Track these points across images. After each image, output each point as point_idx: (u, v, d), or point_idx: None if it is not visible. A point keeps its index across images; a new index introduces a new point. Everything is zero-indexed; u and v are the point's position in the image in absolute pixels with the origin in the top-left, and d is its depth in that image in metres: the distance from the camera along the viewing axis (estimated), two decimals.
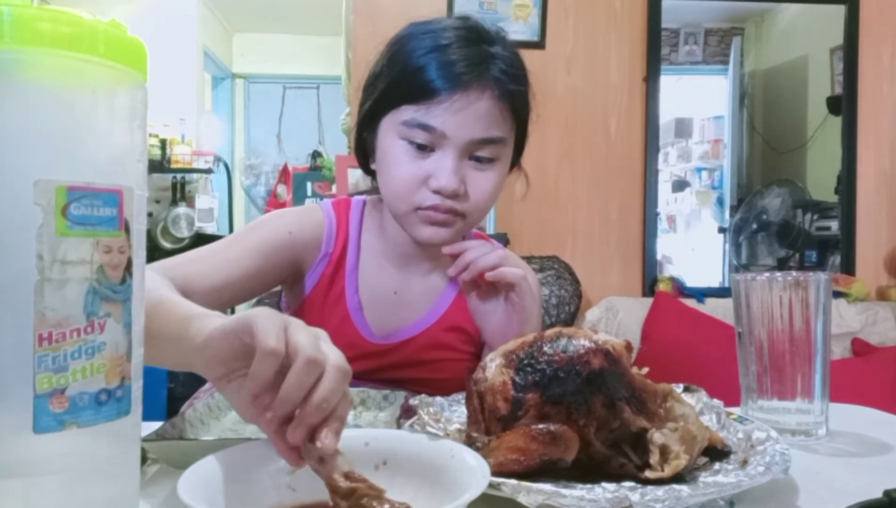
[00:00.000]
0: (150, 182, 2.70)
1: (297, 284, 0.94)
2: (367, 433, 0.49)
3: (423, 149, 0.82)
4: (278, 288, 0.99)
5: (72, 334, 0.35)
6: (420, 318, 0.94)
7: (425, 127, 0.80)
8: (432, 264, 0.96)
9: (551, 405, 0.50)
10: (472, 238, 0.98)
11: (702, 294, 2.58)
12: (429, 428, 0.56)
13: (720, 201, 3.01)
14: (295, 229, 0.92)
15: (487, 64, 0.81)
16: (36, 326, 0.34)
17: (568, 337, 0.52)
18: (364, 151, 0.92)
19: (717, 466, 0.53)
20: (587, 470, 0.51)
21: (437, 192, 0.81)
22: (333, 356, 0.45)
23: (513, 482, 0.45)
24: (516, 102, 0.84)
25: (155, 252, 3.11)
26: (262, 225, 0.93)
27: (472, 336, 0.95)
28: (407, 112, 0.81)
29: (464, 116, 0.80)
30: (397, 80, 0.83)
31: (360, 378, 0.84)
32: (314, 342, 0.45)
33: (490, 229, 2.40)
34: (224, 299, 0.83)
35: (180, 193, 3.34)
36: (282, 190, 3.16)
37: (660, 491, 0.46)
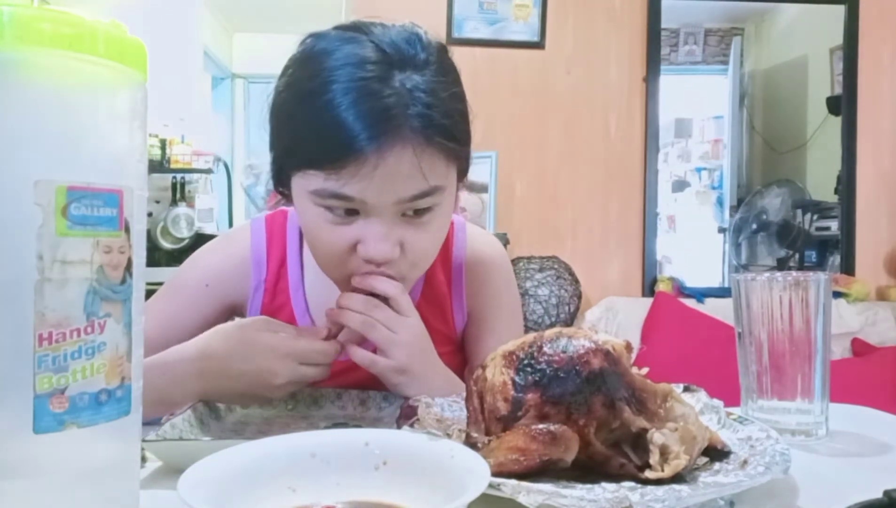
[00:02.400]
0: (150, 182, 2.70)
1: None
2: (367, 433, 0.49)
3: (347, 213, 0.70)
4: None
5: (72, 334, 0.35)
6: None
7: (340, 197, 0.68)
8: None
9: (551, 405, 0.50)
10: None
11: (702, 294, 2.58)
12: (429, 428, 0.56)
13: (720, 201, 3.01)
14: (212, 279, 0.87)
15: (403, 110, 0.66)
16: (36, 326, 0.34)
17: (568, 337, 0.52)
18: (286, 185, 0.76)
19: (717, 466, 0.53)
20: (587, 470, 0.51)
21: (368, 260, 0.70)
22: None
23: (513, 482, 0.45)
24: (444, 139, 0.69)
25: (155, 252, 3.10)
26: (177, 287, 0.88)
27: (447, 334, 0.89)
28: (315, 179, 0.68)
29: (384, 179, 0.66)
30: (296, 138, 0.70)
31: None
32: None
33: (490, 230, 2.40)
34: None
35: (180, 193, 3.33)
36: None
37: (660, 491, 0.46)
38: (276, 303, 0.87)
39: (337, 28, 0.73)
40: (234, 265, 0.88)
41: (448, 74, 0.73)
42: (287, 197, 0.77)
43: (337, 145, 0.66)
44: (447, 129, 0.69)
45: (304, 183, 0.70)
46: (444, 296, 0.89)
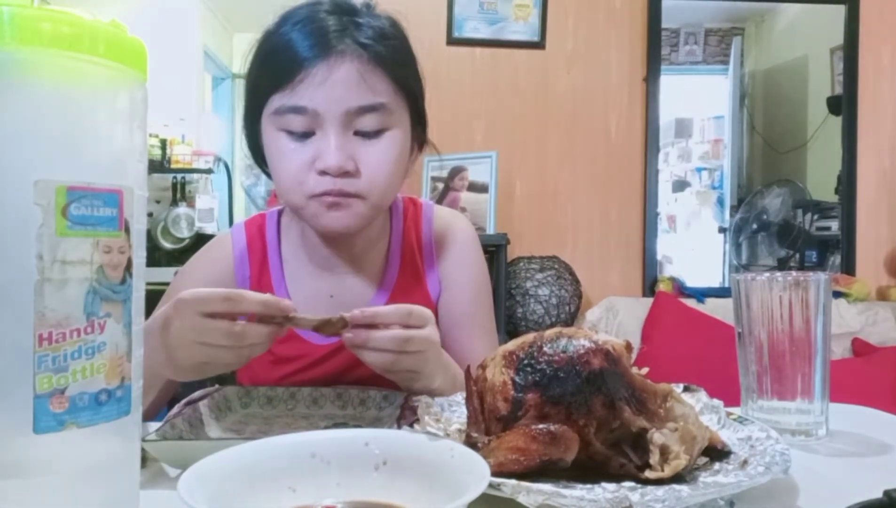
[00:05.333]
0: (150, 182, 2.70)
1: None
2: (367, 433, 0.49)
3: (304, 136, 0.79)
4: None
5: (72, 334, 0.35)
6: None
7: (296, 109, 0.77)
8: (360, 262, 0.92)
9: (551, 405, 0.50)
10: (398, 218, 0.96)
11: (702, 294, 2.58)
12: (429, 428, 0.56)
13: (720, 201, 3.01)
14: (200, 283, 0.88)
15: (348, 31, 0.78)
16: (36, 326, 0.34)
17: (568, 337, 0.52)
18: (261, 155, 0.88)
19: (717, 466, 0.53)
20: (587, 470, 0.51)
21: (324, 173, 0.78)
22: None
23: (513, 482, 0.45)
24: (390, 66, 0.80)
25: (155, 252, 3.10)
26: (171, 297, 0.88)
27: (426, 305, 0.87)
28: (276, 101, 0.79)
29: (330, 86, 0.76)
30: (260, 71, 0.82)
31: (328, 385, 0.82)
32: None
33: (490, 230, 2.40)
34: None
35: (180, 193, 3.33)
36: None
37: (660, 491, 0.46)
38: None
39: None
40: (220, 267, 0.94)
41: (397, 32, 0.84)
42: (262, 162, 0.87)
43: (289, 63, 0.77)
44: (393, 58, 0.80)
45: (269, 110, 0.80)
46: (419, 270, 0.95)
